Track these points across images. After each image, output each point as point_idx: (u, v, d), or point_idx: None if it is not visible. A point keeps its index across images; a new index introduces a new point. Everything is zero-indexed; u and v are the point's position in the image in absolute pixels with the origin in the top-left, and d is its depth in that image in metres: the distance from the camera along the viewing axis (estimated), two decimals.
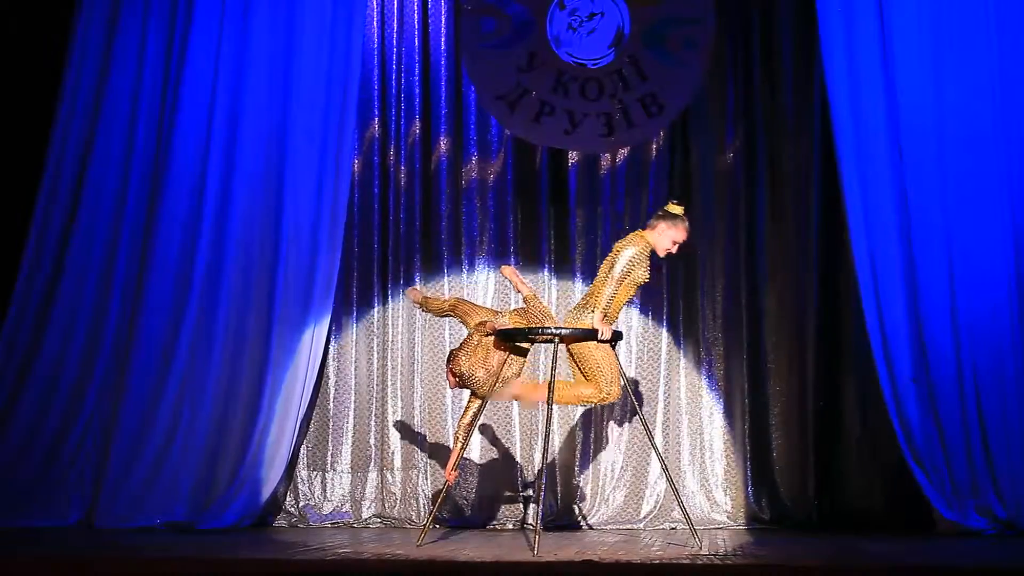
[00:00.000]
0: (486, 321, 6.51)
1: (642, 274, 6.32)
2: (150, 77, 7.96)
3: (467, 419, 6.59)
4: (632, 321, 7.99)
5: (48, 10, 8.23)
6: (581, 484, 7.90)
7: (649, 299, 8.01)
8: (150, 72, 7.96)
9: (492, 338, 6.45)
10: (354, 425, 8.05)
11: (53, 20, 8.16)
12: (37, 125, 8.01)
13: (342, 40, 7.87)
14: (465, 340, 6.59)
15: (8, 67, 8.19)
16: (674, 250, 6.43)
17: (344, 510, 7.94)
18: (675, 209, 6.40)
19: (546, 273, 8.08)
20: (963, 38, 7.43)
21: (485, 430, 7.92)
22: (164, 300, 7.68)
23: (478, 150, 8.19)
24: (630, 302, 7.88)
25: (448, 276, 8.11)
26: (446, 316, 6.91)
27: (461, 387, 6.62)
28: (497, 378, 6.46)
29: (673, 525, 7.68)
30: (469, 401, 6.65)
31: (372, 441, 8.01)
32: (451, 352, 6.65)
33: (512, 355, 6.51)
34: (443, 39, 8.23)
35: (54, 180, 7.91)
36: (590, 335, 6.26)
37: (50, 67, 8.06)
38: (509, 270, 6.84)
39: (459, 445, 6.57)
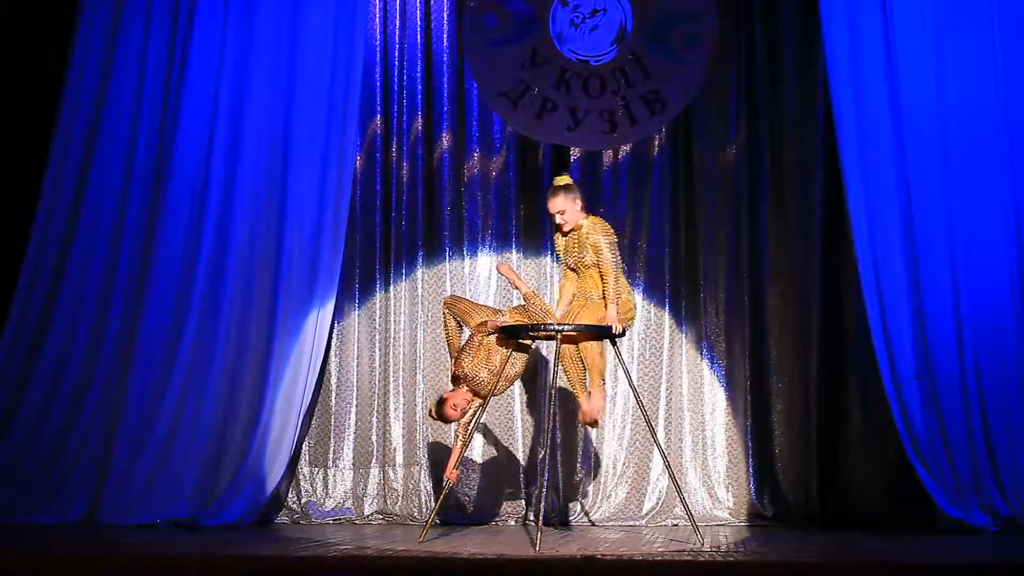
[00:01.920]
0: (487, 321, 6.51)
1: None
2: (152, 74, 7.95)
3: (467, 418, 6.58)
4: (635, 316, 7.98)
5: (50, 12, 8.22)
6: (583, 481, 7.90)
7: (651, 296, 8.01)
8: (153, 69, 7.96)
9: (494, 338, 6.45)
10: (356, 421, 8.05)
11: (55, 22, 8.15)
12: (39, 126, 8.00)
13: (345, 36, 7.87)
14: (467, 341, 6.58)
15: (10, 68, 8.19)
16: (558, 220, 6.51)
17: (346, 507, 7.95)
18: (556, 180, 6.54)
19: (548, 269, 8.08)
20: (966, 34, 7.43)
21: (487, 427, 7.92)
22: (167, 296, 7.69)
23: (480, 146, 8.19)
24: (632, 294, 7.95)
25: (450, 271, 8.11)
26: (453, 318, 6.76)
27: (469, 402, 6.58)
28: (499, 377, 6.46)
29: (675, 522, 7.68)
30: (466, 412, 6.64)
31: (374, 437, 8.02)
32: (440, 399, 6.59)
33: (515, 352, 6.51)
34: (445, 36, 8.23)
35: (57, 176, 7.91)
36: (596, 330, 6.29)
37: (52, 68, 8.06)
38: (506, 267, 6.82)
39: (460, 444, 6.57)
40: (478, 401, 6.57)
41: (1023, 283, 7.27)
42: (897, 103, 7.42)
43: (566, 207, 6.44)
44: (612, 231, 6.46)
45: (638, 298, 8.01)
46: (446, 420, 6.56)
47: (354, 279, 8.12)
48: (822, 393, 7.80)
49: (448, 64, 8.21)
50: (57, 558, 5.65)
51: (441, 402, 6.50)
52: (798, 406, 7.82)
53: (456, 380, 6.57)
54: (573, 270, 6.57)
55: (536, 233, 8.12)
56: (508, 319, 6.48)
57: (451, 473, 6.60)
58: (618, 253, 6.46)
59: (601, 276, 6.43)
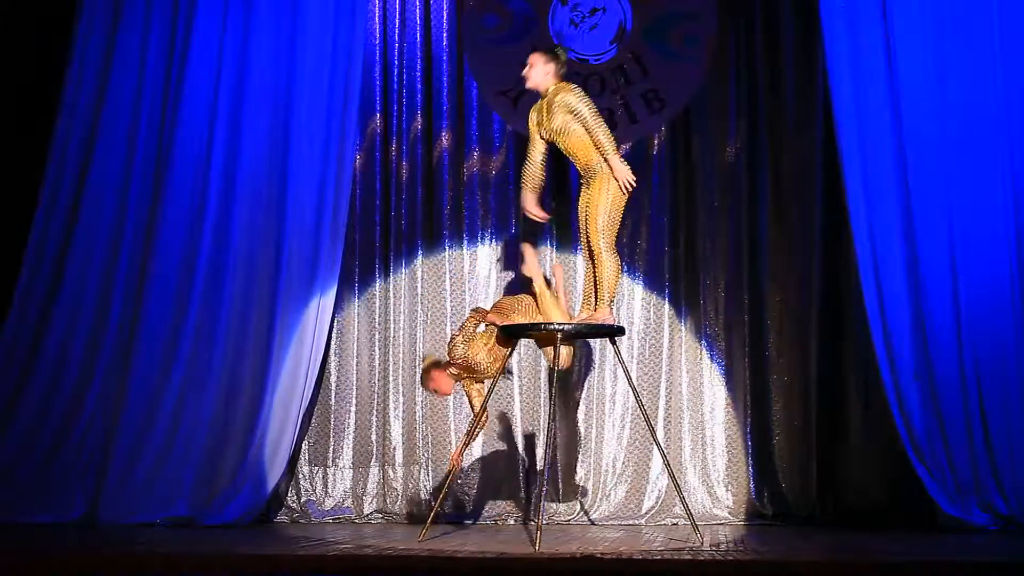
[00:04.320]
0: (480, 308, 6.53)
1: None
2: (152, 73, 7.96)
3: (477, 406, 6.53)
4: (634, 316, 7.99)
5: (50, 12, 8.22)
6: (582, 480, 7.90)
7: (651, 295, 8.02)
8: (152, 68, 7.97)
9: (488, 318, 6.41)
10: (355, 420, 8.05)
11: (55, 22, 8.15)
12: (39, 125, 8.01)
13: (344, 36, 7.87)
14: (461, 327, 6.54)
15: (10, 68, 8.20)
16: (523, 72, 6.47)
17: (346, 506, 7.95)
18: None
19: (548, 268, 8.08)
20: (966, 33, 7.42)
21: (486, 426, 7.91)
22: (167, 296, 7.69)
23: (480, 145, 8.19)
24: (631, 292, 7.95)
25: (449, 270, 8.11)
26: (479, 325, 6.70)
27: (460, 379, 6.56)
28: (500, 362, 6.44)
29: (675, 521, 7.68)
30: (471, 398, 6.61)
31: (373, 437, 8.02)
32: (427, 367, 6.60)
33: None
34: (445, 34, 8.23)
35: (56, 175, 7.92)
36: (596, 329, 6.32)
37: (52, 68, 8.07)
38: (559, 270, 6.93)
39: (475, 428, 6.53)
40: (477, 387, 6.53)
41: (1023, 283, 7.27)
42: (897, 102, 7.42)
43: (536, 64, 6.39)
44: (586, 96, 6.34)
45: (638, 296, 8.02)
46: (436, 393, 6.65)
47: (354, 277, 8.13)
48: (822, 393, 7.80)
49: (448, 63, 8.21)
50: (57, 557, 5.65)
51: (428, 377, 6.54)
52: (798, 406, 7.82)
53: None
54: (549, 143, 6.46)
55: (536, 232, 8.12)
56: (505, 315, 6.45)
57: (456, 460, 6.56)
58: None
59: (590, 136, 6.27)
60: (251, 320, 7.68)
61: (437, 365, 6.54)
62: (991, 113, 7.37)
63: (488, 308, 6.63)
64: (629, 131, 8.06)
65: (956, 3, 7.46)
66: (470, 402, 6.62)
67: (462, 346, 6.43)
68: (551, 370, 6.35)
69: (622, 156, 8.00)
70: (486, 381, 6.56)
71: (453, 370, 6.51)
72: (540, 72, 6.39)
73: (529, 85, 6.45)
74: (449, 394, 6.74)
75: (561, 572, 5.38)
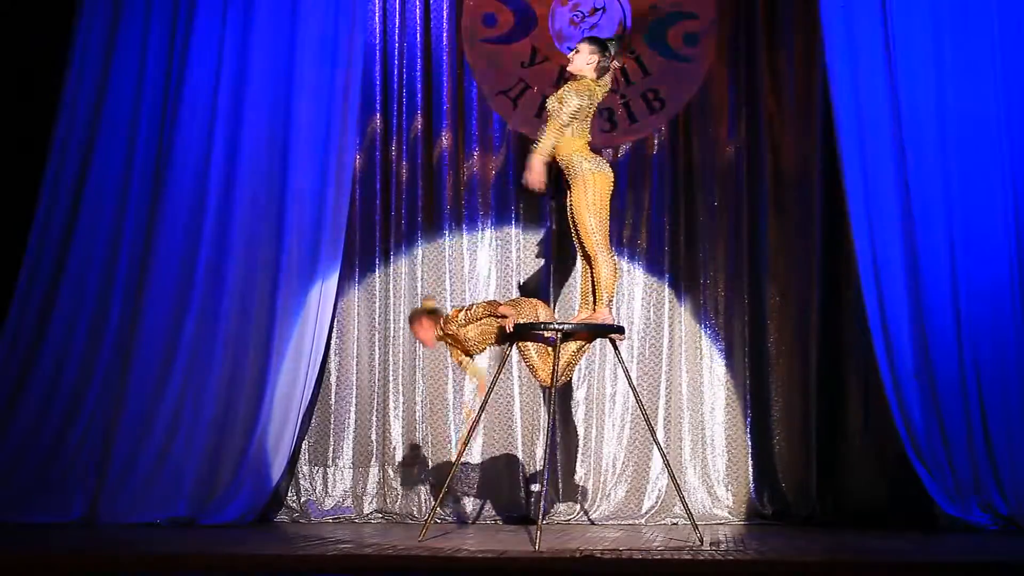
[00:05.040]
0: (495, 302, 6.52)
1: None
2: (152, 73, 7.96)
3: (468, 410, 6.54)
4: (634, 316, 7.99)
5: (50, 12, 8.22)
6: (582, 480, 7.90)
7: (650, 294, 8.01)
8: (152, 68, 7.96)
9: (499, 310, 6.40)
10: (355, 420, 8.05)
11: (55, 22, 8.15)
12: (39, 126, 8.01)
13: (344, 35, 7.87)
14: (468, 307, 6.48)
15: (9, 68, 8.19)
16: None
17: (346, 505, 7.95)
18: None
19: (549, 267, 8.09)
20: (965, 33, 7.43)
21: (486, 426, 7.92)
22: (166, 296, 7.69)
23: (480, 145, 8.19)
24: (631, 292, 7.94)
25: (449, 270, 8.11)
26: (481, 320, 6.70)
27: (444, 342, 6.54)
28: (487, 343, 6.44)
29: (674, 520, 7.68)
30: (460, 364, 6.60)
31: (374, 436, 8.02)
32: (422, 311, 6.58)
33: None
34: (445, 34, 8.23)
35: (56, 175, 7.91)
36: (596, 328, 6.32)
37: (52, 68, 8.06)
38: None
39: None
40: (463, 357, 6.54)
41: (1022, 281, 7.27)
42: (896, 101, 7.42)
43: (582, 51, 6.47)
44: (588, 91, 6.37)
45: (637, 296, 8.01)
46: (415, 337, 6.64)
47: (354, 277, 8.13)
48: (822, 393, 7.80)
49: (448, 63, 8.21)
50: (57, 557, 5.65)
51: (417, 320, 6.53)
52: (798, 405, 7.82)
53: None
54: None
55: (536, 231, 8.12)
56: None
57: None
58: (577, 112, 6.35)
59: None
60: (251, 320, 7.68)
61: (432, 315, 6.52)
62: (991, 113, 7.37)
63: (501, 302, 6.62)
64: (629, 131, 8.06)
65: (956, 3, 7.46)
66: (459, 364, 6.60)
67: (459, 322, 6.40)
68: (553, 370, 6.33)
69: (621, 156, 8.11)
70: (475, 356, 6.58)
71: (440, 332, 6.48)
72: (583, 59, 6.48)
73: (570, 68, 6.52)
74: (430, 347, 6.71)
75: (561, 572, 5.39)
